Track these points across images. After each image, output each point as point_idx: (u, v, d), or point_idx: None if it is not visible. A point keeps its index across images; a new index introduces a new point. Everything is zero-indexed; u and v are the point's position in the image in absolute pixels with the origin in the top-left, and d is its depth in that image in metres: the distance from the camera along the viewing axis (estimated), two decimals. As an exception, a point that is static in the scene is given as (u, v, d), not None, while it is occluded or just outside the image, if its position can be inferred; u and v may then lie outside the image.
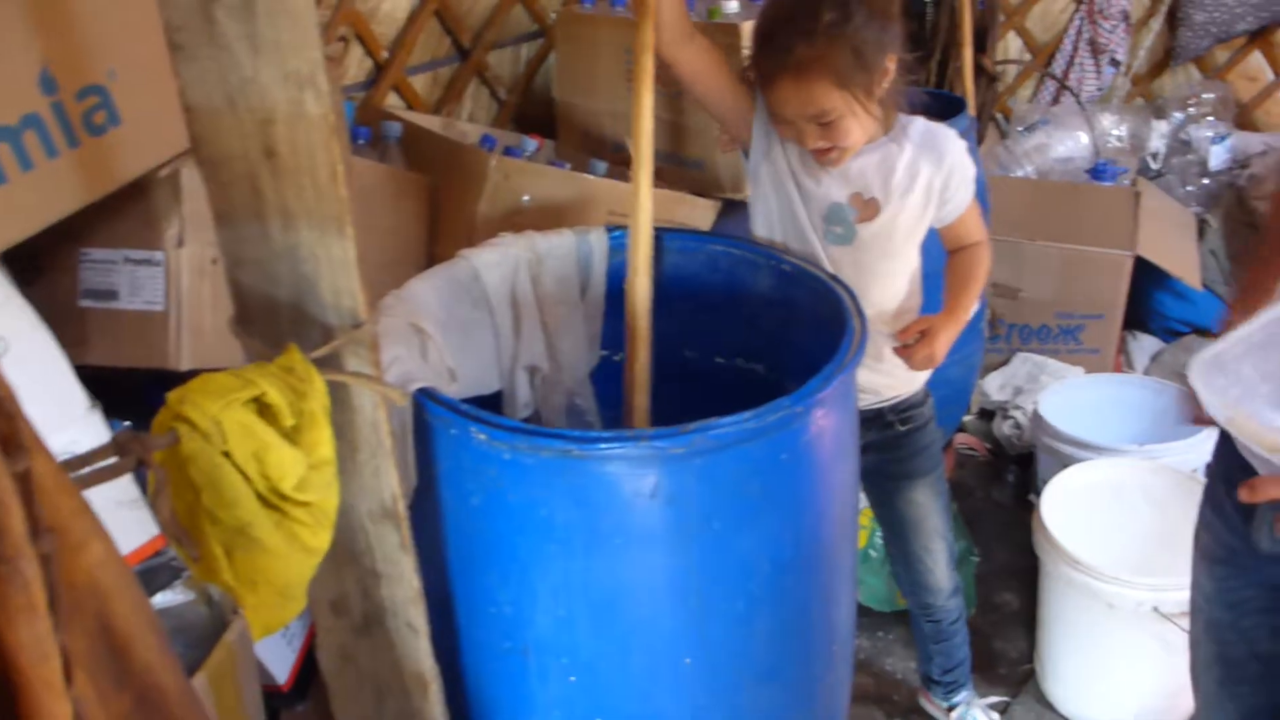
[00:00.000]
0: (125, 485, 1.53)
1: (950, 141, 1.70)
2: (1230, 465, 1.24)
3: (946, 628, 2.03)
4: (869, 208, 1.68)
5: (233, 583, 0.97)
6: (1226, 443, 1.29)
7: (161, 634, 0.73)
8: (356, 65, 2.98)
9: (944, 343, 1.68)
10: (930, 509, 1.91)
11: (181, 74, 0.99)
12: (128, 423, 1.65)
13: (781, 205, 1.73)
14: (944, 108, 2.44)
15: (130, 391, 1.67)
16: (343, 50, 2.88)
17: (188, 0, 0.95)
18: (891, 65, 1.59)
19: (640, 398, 1.63)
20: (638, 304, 1.61)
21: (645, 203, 1.58)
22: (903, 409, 1.84)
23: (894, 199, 1.67)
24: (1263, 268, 1.37)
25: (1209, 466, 1.36)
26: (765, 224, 1.77)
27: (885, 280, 1.73)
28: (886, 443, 1.86)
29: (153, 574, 1.51)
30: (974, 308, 1.75)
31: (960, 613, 2.04)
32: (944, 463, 1.94)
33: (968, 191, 1.72)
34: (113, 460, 0.82)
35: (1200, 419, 1.40)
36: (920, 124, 1.70)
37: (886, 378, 1.79)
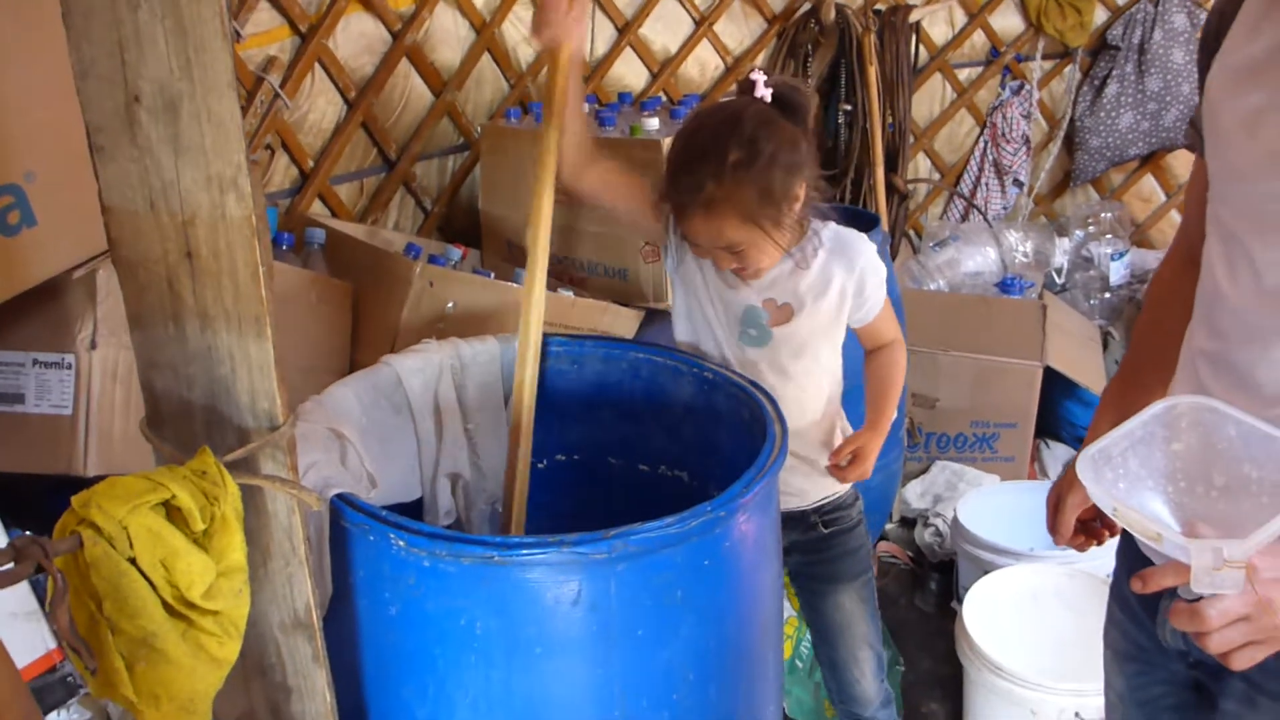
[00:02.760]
0: (23, 596, 1.47)
1: (861, 244, 1.75)
2: (1133, 561, 1.27)
3: (876, 739, 2.00)
4: (782, 312, 1.72)
5: (133, 697, 0.92)
6: (1128, 540, 1.32)
7: (53, 751, 0.69)
8: (282, 173, 2.99)
9: (874, 457, 1.74)
10: (856, 615, 1.89)
11: (102, 175, 0.98)
12: (28, 532, 1.58)
13: (695, 309, 1.78)
14: (858, 224, 2.51)
15: (32, 499, 1.61)
16: (268, 158, 2.89)
17: (110, 102, 0.95)
18: (802, 191, 1.64)
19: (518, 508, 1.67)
20: (524, 404, 1.66)
21: (538, 300, 1.67)
22: (828, 510, 1.85)
23: (807, 304, 1.72)
24: (1134, 363, 1.43)
25: (1115, 564, 1.39)
26: (687, 324, 1.80)
27: (803, 380, 1.76)
28: (810, 544, 1.86)
29: (46, 691, 1.44)
30: (894, 414, 1.80)
31: (890, 724, 2.01)
32: (872, 569, 1.94)
33: (881, 292, 1.77)
34: (9, 566, 0.79)
35: (1061, 538, 1.45)
36: (831, 230, 1.75)
37: (819, 479, 1.81)
